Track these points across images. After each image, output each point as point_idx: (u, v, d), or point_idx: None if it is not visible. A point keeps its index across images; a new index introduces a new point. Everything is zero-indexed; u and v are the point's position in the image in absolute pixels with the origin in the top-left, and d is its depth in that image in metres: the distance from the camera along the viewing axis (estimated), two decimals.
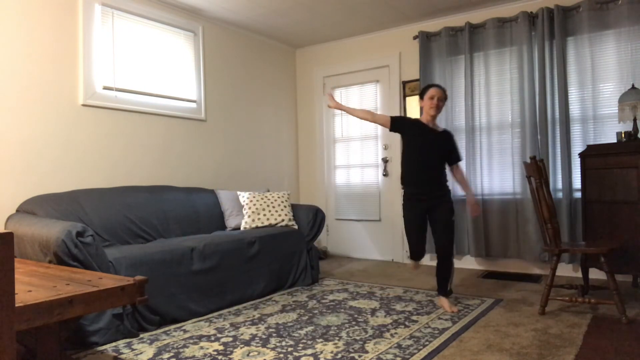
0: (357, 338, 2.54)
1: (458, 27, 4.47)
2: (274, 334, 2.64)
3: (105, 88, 3.59)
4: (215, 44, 4.55)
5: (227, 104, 4.67)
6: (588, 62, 3.89)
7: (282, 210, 3.99)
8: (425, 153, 3.12)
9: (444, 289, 3.11)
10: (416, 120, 3.24)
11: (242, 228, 3.88)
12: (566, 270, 3.99)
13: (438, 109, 3.14)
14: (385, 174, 5.00)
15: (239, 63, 4.82)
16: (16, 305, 1.27)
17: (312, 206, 4.10)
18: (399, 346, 2.40)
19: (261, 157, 5.06)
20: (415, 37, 4.70)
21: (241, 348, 2.43)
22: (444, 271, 3.11)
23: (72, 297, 1.62)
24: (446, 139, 3.19)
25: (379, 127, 5.05)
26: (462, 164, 3.52)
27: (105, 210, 3.26)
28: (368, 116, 3.23)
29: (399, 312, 3.01)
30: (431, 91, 3.15)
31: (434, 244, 3.17)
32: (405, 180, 3.21)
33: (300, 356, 2.30)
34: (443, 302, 3.06)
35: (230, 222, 4.00)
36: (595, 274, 3.70)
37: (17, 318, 1.42)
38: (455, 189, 4.46)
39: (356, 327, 2.72)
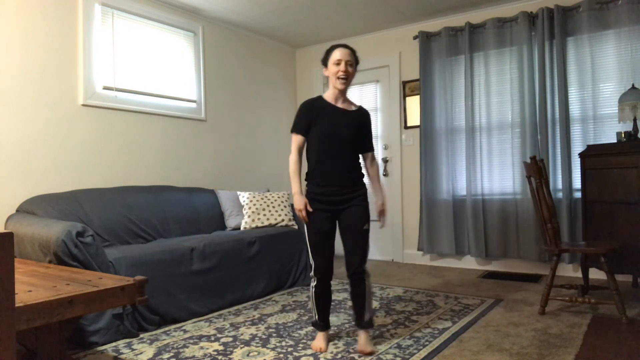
0: (357, 338, 2.53)
1: (458, 27, 4.47)
2: (274, 334, 2.63)
3: (105, 88, 3.59)
4: (215, 44, 4.55)
5: (227, 104, 4.66)
6: (588, 62, 3.89)
7: (282, 210, 3.99)
8: (330, 140, 2.35)
9: (359, 318, 2.37)
10: (317, 100, 2.44)
11: (242, 228, 3.88)
12: (566, 270, 3.99)
13: (348, 78, 2.36)
14: (385, 174, 5.00)
15: (239, 63, 4.82)
16: (16, 305, 1.27)
17: None
18: (399, 346, 2.40)
19: (261, 157, 5.06)
20: (415, 37, 4.70)
21: (241, 348, 2.43)
22: (357, 297, 2.37)
23: (72, 297, 1.62)
24: (361, 119, 2.44)
25: (379, 127, 5.06)
26: (378, 157, 2.62)
27: (105, 210, 3.26)
28: (297, 165, 2.46)
29: (399, 312, 3.01)
30: (336, 53, 2.37)
31: (346, 264, 2.39)
32: (308, 176, 2.45)
33: (300, 356, 2.30)
34: (359, 336, 2.37)
35: (230, 222, 4.00)
36: (595, 274, 3.70)
37: (17, 318, 1.42)
38: (456, 187, 4.47)
39: (356, 327, 2.72)
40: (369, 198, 2.45)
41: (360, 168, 2.46)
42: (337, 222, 2.41)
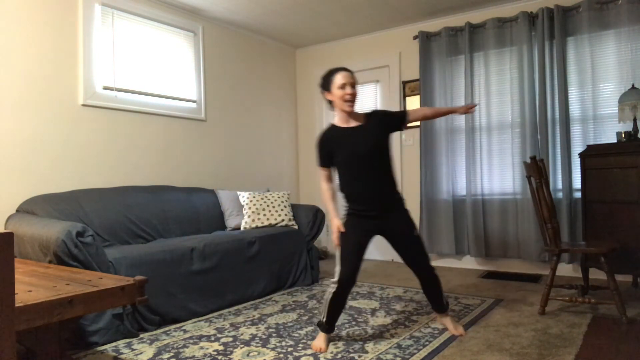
0: (357, 338, 2.54)
1: (458, 27, 4.47)
2: (274, 334, 2.63)
3: (105, 88, 3.59)
4: (215, 44, 4.55)
5: (227, 104, 4.66)
6: (588, 62, 3.89)
7: (282, 210, 3.99)
8: (354, 163, 2.42)
9: (438, 304, 2.59)
10: (331, 128, 2.50)
11: (242, 228, 3.88)
12: (566, 270, 3.99)
13: (354, 99, 2.41)
14: None
15: (239, 63, 4.82)
16: (16, 305, 1.27)
17: (312, 206, 4.10)
18: (399, 346, 2.40)
19: (261, 157, 5.06)
20: (415, 37, 4.70)
21: (241, 348, 2.43)
22: (433, 288, 2.55)
23: (72, 297, 1.62)
24: (377, 122, 2.48)
25: None
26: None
27: (105, 210, 3.26)
28: (329, 193, 2.55)
29: (399, 312, 3.01)
30: (338, 77, 2.39)
31: (411, 268, 2.51)
32: (344, 195, 2.51)
33: (300, 356, 2.30)
34: (446, 323, 2.62)
35: (230, 222, 4.00)
36: (595, 274, 3.70)
37: (17, 318, 1.42)
38: (456, 187, 4.47)
39: (356, 327, 2.72)
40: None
41: (393, 179, 2.50)
42: (373, 237, 2.48)
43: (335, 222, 2.47)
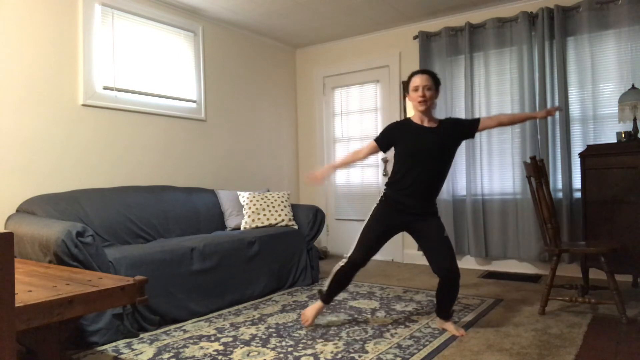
0: (357, 338, 2.54)
1: (458, 27, 4.47)
2: (274, 334, 2.63)
3: (105, 88, 3.59)
4: (215, 44, 4.55)
5: (227, 104, 4.67)
6: (588, 62, 3.89)
7: (282, 210, 3.99)
8: (414, 158, 2.53)
9: (445, 310, 2.62)
10: (406, 121, 2.69)
11: (242, 228, 3.88)
12: (566, 270, 3.99)
13: (427, 101, 2.53)
14: (385, 174, 5.00)
15: (239, 63, 4.82)
16: (16, 305, 1.27)
17: (312, 206, 4.10)
18: (399, 346, 2.40)
19: (261, 157, 5.06)
20: (415, 37, 4.70)
21: (241, 348, 2.43)
22: (449, 294, 2.55)
23: (72, 297, 1.62)
24: (449, 128, 2.60)
25: (379, 127, 5.06)
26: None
27: (105, 210, 3.26)
28: (360, 155, 2.73)
29: (399, 312, 3.01)
30: (414, 80, 2.56)
31: (434, 267, 2.53)
32: (393, 185, 2.62)
33: (300, 356, 2.30)
34: (447, 326, 2.62)
35: (230, 222, 4.00)
36: (595, 274, 3.70)
37: (17, 318, 1.42)
38: (456, 187, 4.47)
39: (356, 327, 2.72)
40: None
41: (442, 185, 2.62)
42: (399, 233, 2.63)
43: (326, 168, 2.76)
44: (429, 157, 2.52)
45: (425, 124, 2.60)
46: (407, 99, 2.67)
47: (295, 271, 3.82)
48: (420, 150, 2.53)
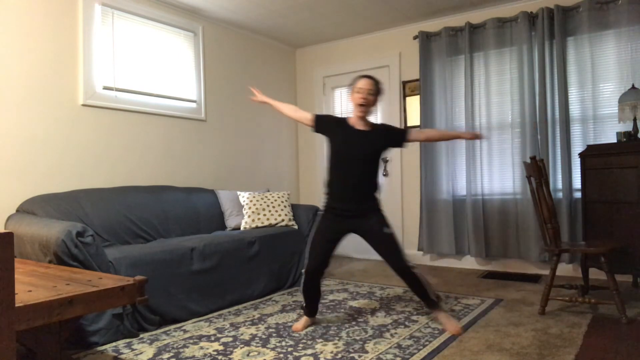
0: (357, 338, 2.54)
1: (458, 27, 4.47)
2: (274, 334, 2.64)
3: (105, 88, 3.59)
4: (215, 44, 4.55)
5: (227, 104, 4.67)
6: (588, 62, 3.89)
7: (282, 210, 3.99)
8: (343, 160, 2.60)
9: (427, 300, 2.66)
10: (342, 120, 2.73)
11: (242, 228, 3.88)
12: (566, 270, 3.99)
13: (367, 105, 2.61)
14: (385, 174, 5.00)
15: (239, 63, 4.82)
16: (16, 305, 1.27)
17: (312, 206, 4.10)
18: (399, 346, 2.40)
19: (261, 157, 5.06)
20: (415, 37, 4.70)
21: (241, 348, 2.43)
22: (414, 285, 2.62)
23: (72, 297, 1.62)
24: (380, 134, 2.68)
25: None
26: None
27: (105, 210, 3.26)
28: (291, 113, 2.79)
29: (399, 312, 3.01)
30: (360, 83, 2.62)
31: (389, 267, 2.64)
32: (327, 189, 2.67)
33: (300, 356, 2.30)
34: (441, 318, 2.66)
35: (230, 222, 4.00)
36: (595, 274, 3.70)
37: (17, 318, 1.42)
38: (456, 188, 4.47)
39: (356, 327, 2.72)
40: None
41: (375, 183, 2.66)
42: (346, 235, 2.67)
43: (266, 98, 2.85)
44: (355, 160, 2.59)
45: (359, 127, 2.66)
46: (349, 98, 2.73)
47: (295, 271, 3.82)
48: (348, 153, 2.60)
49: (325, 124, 2.72)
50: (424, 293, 2.63)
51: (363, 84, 2.61)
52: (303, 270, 2.68)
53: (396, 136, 2.73)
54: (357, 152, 2.59)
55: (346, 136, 2.63)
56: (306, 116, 2.75)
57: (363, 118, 2.66)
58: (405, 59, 4.86)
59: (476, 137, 2.76)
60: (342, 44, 5.29)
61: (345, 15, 4.53)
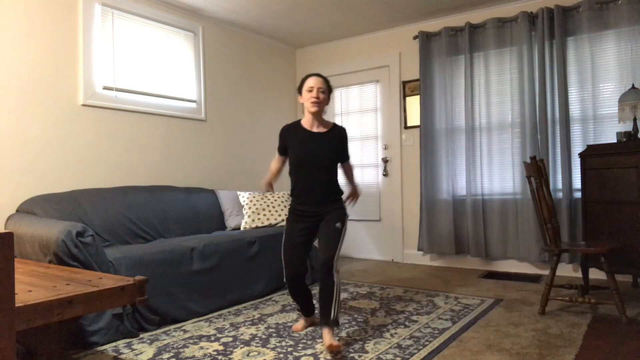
0: (357, 338, 2.54)
1: (458, 27, 4.47)
2: (274, 334, 2.63)
3: (105, 88, 3.59)
4: (215, 44, 4.55)
5: (227, 104, 4.66)
6: (588, 62, 3.89)
7: (282, 210, 3.99)
8: (305, 164, 2.54)
9: (324, 316, 2.37)
10: (295, 125, 2.64)
11: (242, 228, 3.88)
12: (566, 270, 3.99)
13: (320, 104, 2.53)
14: (385, 174, 5.00)
15: (239, 63, 4.82)
16: (16, 305, 1.27)
17: None
18: (399, 346, 2.40)
19: (261, 157, 5.06)
20: (415, 37, 4.70)
21: (241, 348, 2.43)
22: (325, 292, 2.38)
23: (72, 297, 1.62)
24: (334, 138, 2.61)
25: (379, 127, 5.07)
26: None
27: (105, 210, 3.26)
28: (274, 170, 2.73)
29: (399, 312, 3.01)
30: (309, 82, 2.55)
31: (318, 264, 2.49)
32: (292, 193, 2.65)
33: (300, 356, 2.30)
34: (324, 333, 2.35)
35: (230, 222, 4.00)
36: (595, 274, 3.70)
37: (17, 318, 1.42)
38: (456, 187, 4.47)
39: (356, 327, 2.72)
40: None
41: (337, 184, 2.62)
42: (314, 233, 2.59)
43: (266, 178, 2.71)
44: (316, 164, 2.54)
45: (315, 129, 2.59)
46: (299, 100, 2.67)
47: None
48: (307, 159, 2.54)
49: (284, 143, 2.63)
50: (327, 305, 2.37)
51: (313, 82, 2.54)
52: (285, 280, 2.59)
53: (342, 154, 2.67)
54: (314, 156, 2.54)
55: (302, 140, 2.57)
56: (277, 159, 2.71)
57: (318, 118, 2.59)
58: (405, 59, 4.86)
59: (352, 198, 2.78)
60: (342, 44, 5.29)
61: (345, 15, 4.53)
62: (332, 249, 2.41)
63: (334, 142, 2.59)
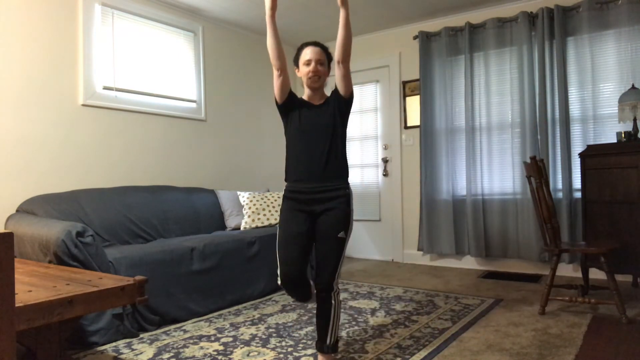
0: (357, 338, 2.54)
1: (458, 27, 4.47)
2: (274, 334, 2.63)
3: (105, 88, 3.59)
4: (215, 44, 4.55)
5: (227, 104, 4.66)
6: (588, 62, 3.89)
7: None
8: (306, 137, 2.15)
9: (321, 340, 2.10)
10: (300, 99, 2.27)
11: (242, 228, 3.88)
12: (566, 270, 3.99)
13: (320, 76, 2.17)
14: (385, 174, 5.00)
15: (239, 63, 4.82)
16: (16, 305, 1.27)
17: None
18: (399, 346, 2.40)
19: (261, 157, 5.06)
20: (415, 37, 4.70)
21: (241, 348, 2.43)
22: (322, 316, 2.09)
23: (72, 297, 1.62)
24: (333, 101, 2.20)
25: (379, 127, 5.06)
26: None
27: (105, 210, 3.26)
28: (271, 46, 2.24)
29: (399, 312, 3.01)
30: (306, 53, 2.19)
31: (315, 275, 2.13)
32: (286, 176, 2.22)
33: (300, 356, 2.30)
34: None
35: (230, 222, 4.00)
36: (595, 274, 3.70)
37: (17, 318, 1.42)
38: (456, 187, 4.47)
39: (356, 327, 2.72)
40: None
41: (343, 164, 2.19)
42: (314, 224, 2.14)
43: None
44: (317, 136, 2.14)
45: (315, 102, 2.22)
46: (296, 73, 2.29)
47: None
48: (311, 129, 2.15)
49: (289, 96, 2.24)
50: (324, 329, 2.09)
51: (310, 53, 2.16)
52: (279, 282, 2.14)
53: (335, 93, 2.21)
54: (320, 126, 2.14)
55: (307, 112, 2.19)
56: (279, 64, 2.22)
57: (318, 92, 2.22)
58: (405, 59, 4.86)
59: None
60: None
61: None
62: (331, 272, 2.06)
63: (334, 104, 2.18)
